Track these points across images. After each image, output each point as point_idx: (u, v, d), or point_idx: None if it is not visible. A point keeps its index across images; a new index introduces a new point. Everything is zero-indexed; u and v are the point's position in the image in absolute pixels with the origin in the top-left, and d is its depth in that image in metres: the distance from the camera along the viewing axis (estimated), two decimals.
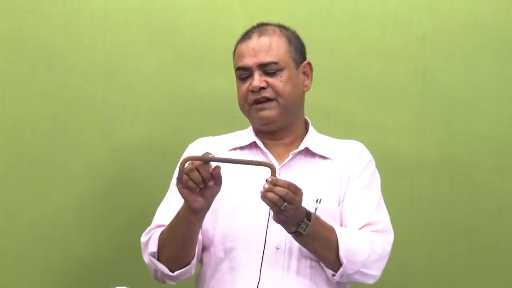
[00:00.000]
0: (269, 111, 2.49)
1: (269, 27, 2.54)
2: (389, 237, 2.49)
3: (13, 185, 3.03)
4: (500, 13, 3.15)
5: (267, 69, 2.48)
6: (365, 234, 2.44)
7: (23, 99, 3.03)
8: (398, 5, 3.13)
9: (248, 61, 2.49)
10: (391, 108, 3.14)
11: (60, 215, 3.05)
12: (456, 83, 3.16)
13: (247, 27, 3.05)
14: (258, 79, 2.47)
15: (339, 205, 2.49)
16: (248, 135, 2.58)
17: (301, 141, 2.55)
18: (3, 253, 3.02)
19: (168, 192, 2.58)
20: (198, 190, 2.29)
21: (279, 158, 2.52)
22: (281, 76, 2.49)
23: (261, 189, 2.22)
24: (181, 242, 2.40)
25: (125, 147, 3.06)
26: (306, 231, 2.30)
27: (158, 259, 2.43)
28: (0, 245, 3.03)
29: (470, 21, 3.14)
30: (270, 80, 2.48)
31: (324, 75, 3.10)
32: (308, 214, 2.31)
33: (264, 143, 2.55)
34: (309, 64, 2.58)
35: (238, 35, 3.06)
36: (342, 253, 2.37)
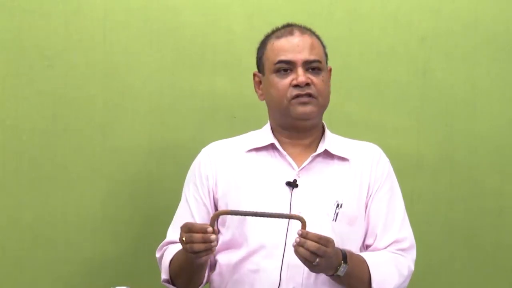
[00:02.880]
0: (310, 107, 2.47)
1: (306, 28, 2.54)
2: (413, 255, 2.53)
3: (13, 185, 3.03)
4: (500, 13, 3.15)
5: (310, 66, 2.48)
6: (393, 256, 2.47)
7: (23, 99, 3.03)
8: (398, 5, 3.13)
9: (293, 56, 2.47)
10: (391, 108, 3.14)
11: (60, 215, 3.04)
12: (456, 83, 3.16)
13: (247, 27, 3.06)
14: (303, 75, 2.45)
15: (360, 210, 2.49)
16: (265, 135, 2.55)
17: (318, 143, 2.54)
18: (3, 253, 3.02)
19: (179, 206, 2.58)
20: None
21: (298, 160, 2.50)
22: (322, 76, 2.49)
23: (293, 242, 2.22)
24: (192, 276, 2.42)
25: (125, 147, 3.06)
26: (344, 272, 2.32)
27: (172, 283, 2.46)
28: (0, 245, 3.02)
29: (470, 21, 3.14)
30: (313, 78, 2.47)
31: None
32: (344, 256, 2.32)
33: (281, 144, 2.53)
34: (330, 70, 2.57)
35: (238, 35, 3.07)
36: (374, 285, 2.39)
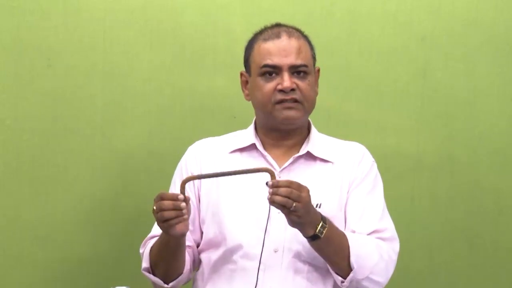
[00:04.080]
0: (295, 112, 2.46)
1: (294, 30, 2.52)
2: (395, 246, 2.49)
3: (13, 185, 3.03)
4: (500, 13, 3.15)
5: (296, 71, 2.47)
6: (373, 239, 2.45)
7: (23, 99, 3.03)
8: (398, 5, 3.13)
9: (279, 60, 2.46)
10: (391, 108, 3.14)
11: (60, 215, 3.05)
12: (456, 83, 3.16)
13: (247, 27, 3.04)
14: (289, 80, 2.45)
15: (340, 210, 2.48)
16: (248, 136, 2.56)
17: (302, 144, 2.54)
18: (3, 253, 3.02)
19: None
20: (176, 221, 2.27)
21: (279, 160, 2.51)
22: (308, 80, 2.49)
23: (267, 195, 2.22)
24: (170, 261, 2.41)
25: (124, 147, 3.07)
26: (323, 234, 2.30)
27: (153, 273, 2.45)
28: (0, 245, 3.03)
29: (470, 21, 3.14)
30: (299, 83, 2.46)
31: (324, 75, 3.09)
32: (323, 217, 2.32)
33: (264, 145, 2.53)
34: (318, 70, 2.57)
35: (238, 35, 3.06)
36: (353, 258, 2.36)
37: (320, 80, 2.97)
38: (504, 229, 3.17)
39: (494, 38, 3.15)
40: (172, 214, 2.23)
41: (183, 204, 2.23)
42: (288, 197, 2.21)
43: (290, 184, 2.23)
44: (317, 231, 2.30)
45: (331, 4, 3.12)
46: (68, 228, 3.05)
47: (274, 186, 2.22)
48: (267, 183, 2.22)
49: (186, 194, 2.26)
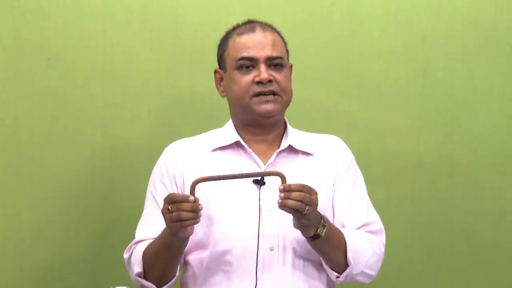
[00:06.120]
0: (273, 105, 2.46)
1: (267, 25, 2.53)
2: (383, 238, 2.51)
3: (13, 185, 3.03)
4: (500, 13, 3.15)
5: (273, 63, 2.47)
6: (365, 234, 2.47)
7: (23, 99, 3.03)
8: (398, 5, 3.13)
9: (256, 52, 2.46)
10: (391, 108, 3.14)
11: (60, 215, 3.05)
12: (456, 83, 3.16)
13: None
14: (266, 72, 2.45)
15: (326, 202, 2.48)
16: (229, 134, 2.54)
17: (281, 139, 2.53)
18: (2, 252, 3.02)
19: (146, 206, 2.56)
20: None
21: (263, 156, 2.50)
22: (285, 72, 2.49)
23: (278, 199, 2.23)
24: (168, 264, 2.40)
25: (125, 147, 3.07)
26: (324, 233, 2.31)
27: (144, 278, 2.43)
28: (0, 244, 3.03)
29: (470, 21, 3.15)
30: (276, 75, 2.46)
31: (324, 75, 3.10)
32: (322, 216, 2.33)
33: (246, 141, 2.52)
34: (291, 66, 2.56)
35: None
36: (349, 254, 2.38)
37: (320, 80, 2.99)
38: (504, 229, 3.17)
39: (494, 38, 3.16)
40: (189, 215, 2.23)
41: (201, 205, 2.24)
42: (301, 201, 2.22)
43: (302, 188, 2.23)
44: (318, 230, 2.31)
45: (331, 4, 3.12)
46: (68, 228, 3.05)
47: (286, 190, 2.22)
48: (279, 188, 2.23)
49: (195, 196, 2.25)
